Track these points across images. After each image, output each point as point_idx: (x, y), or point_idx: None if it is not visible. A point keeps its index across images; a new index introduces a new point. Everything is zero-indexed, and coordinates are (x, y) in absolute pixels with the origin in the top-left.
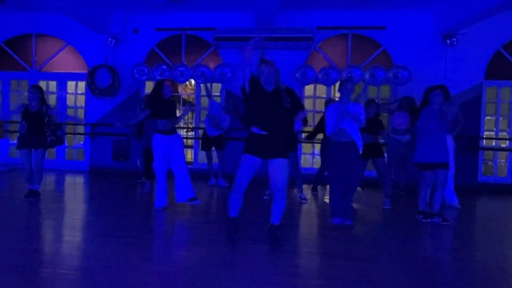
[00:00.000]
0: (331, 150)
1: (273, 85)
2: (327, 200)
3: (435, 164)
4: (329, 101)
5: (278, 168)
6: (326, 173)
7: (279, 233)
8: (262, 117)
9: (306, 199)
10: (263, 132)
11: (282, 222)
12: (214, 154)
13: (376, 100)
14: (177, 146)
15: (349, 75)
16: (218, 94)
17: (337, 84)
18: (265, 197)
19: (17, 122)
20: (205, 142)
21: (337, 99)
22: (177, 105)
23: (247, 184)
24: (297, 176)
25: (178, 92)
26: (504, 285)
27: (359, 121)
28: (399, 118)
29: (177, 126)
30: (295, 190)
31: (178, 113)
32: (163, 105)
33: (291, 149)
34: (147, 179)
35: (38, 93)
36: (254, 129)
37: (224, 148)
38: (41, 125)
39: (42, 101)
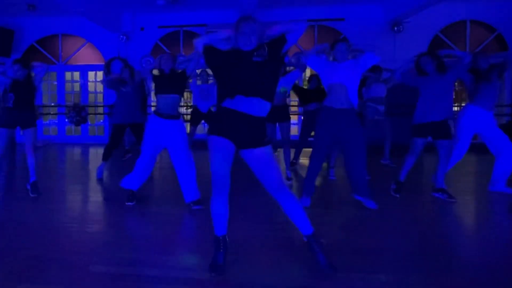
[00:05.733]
0: (320, 118)
1: (255, 44)
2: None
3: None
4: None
5: (261, 161)
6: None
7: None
8: (237, 86)
9: (290, 178)
10: (237, 108)
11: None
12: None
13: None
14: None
15: None
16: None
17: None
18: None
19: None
20: (195, 117)
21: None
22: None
23: (227, 180)
24: (286, 149)
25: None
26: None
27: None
28: (377, 88)
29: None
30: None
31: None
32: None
33: (284, 118)
34: (103, 160)
35: (27, 69)
36: (226, 103)
37: None
38: (31, 97)
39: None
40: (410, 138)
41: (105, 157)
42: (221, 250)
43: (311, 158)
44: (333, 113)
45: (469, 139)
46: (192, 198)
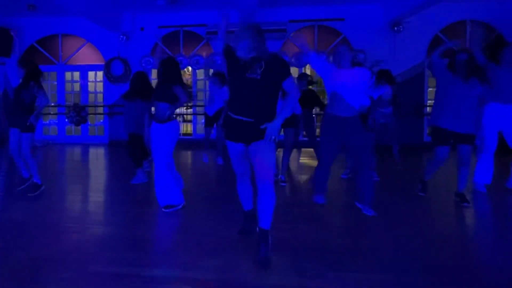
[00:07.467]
0: (324, 125)
1: (251, 53)
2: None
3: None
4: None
5: (257, 151)
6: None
7: (271, 242)
8: (233, 97)
9: (284, 181)
10: (236, 116)
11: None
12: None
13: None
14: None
15: None
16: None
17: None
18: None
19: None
20: (206, 120)
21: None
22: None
23: (245, 170)
24: (287, 153)
25: None
26: None
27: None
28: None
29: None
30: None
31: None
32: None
33: (289, 125)
34: (138, 167)
35: (24, 67)
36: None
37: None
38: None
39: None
40: (433, 145)
41: (137, 164)
42: (247, 220)
43: (319, 163)
44: (337, 120)
45: (495, 138)
46: (166, 203)
